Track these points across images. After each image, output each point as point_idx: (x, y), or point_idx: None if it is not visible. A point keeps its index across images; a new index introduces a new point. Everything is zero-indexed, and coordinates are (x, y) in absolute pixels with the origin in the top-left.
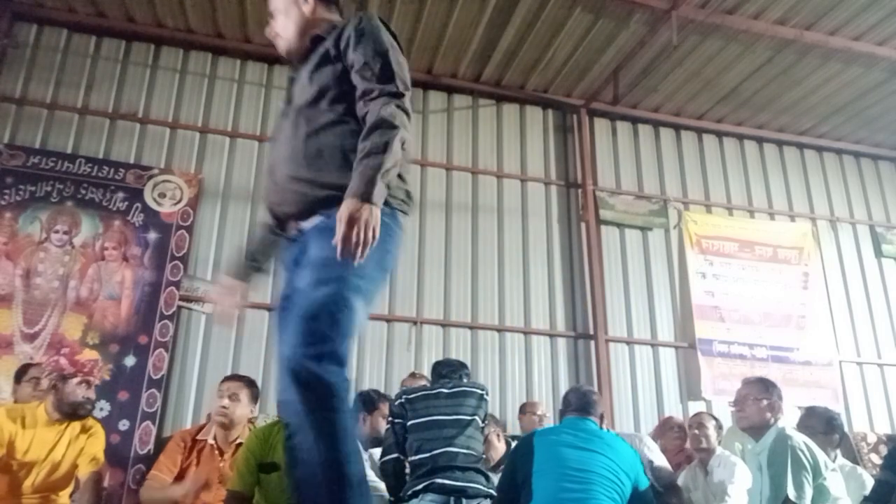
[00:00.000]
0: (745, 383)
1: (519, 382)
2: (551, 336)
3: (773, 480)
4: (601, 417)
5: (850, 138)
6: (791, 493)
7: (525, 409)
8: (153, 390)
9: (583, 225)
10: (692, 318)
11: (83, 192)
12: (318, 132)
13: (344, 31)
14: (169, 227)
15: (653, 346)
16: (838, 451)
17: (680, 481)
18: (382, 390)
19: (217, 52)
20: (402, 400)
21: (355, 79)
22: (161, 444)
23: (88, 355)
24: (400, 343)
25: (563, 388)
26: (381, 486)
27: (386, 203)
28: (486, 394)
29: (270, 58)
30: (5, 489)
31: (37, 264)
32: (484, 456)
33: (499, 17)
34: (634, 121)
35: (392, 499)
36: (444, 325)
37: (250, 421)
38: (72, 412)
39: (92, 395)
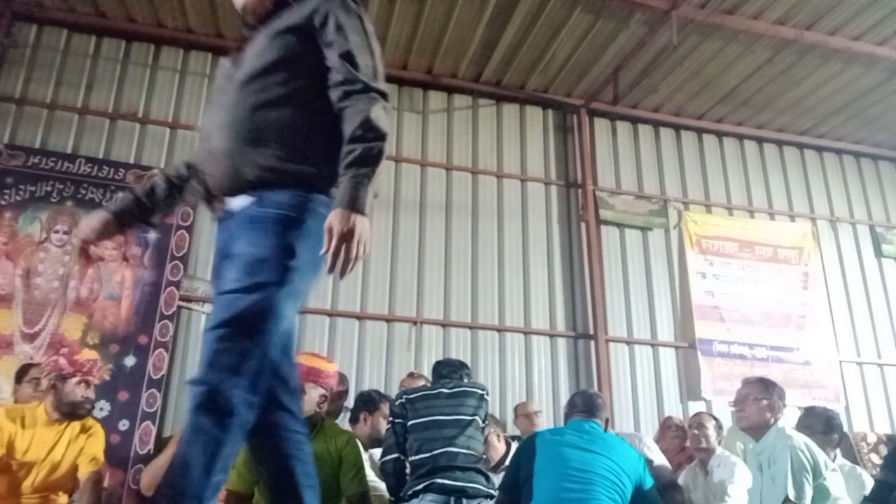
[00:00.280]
0: (745, 383)
1: (519, 382)
2: (551, 336)
3: (774, 481)
4: (606, 421)
5: (850, 138)
6: (791, 493)
7: (517, 412)
8: (153, 390)
9: (583, 225)
10: (692, 318)
11: (83, 192)
12: (267, 106)
13: (320, 3)
14: (169, 226)
15: (653, 346)
16: (838, 451)
17: (680, 481)
18: (382, 390)
19: (217, 52)
20: (403, 400)
21: (334, 61)
22: (161, 444)
23: (88, 355)
24: (400, 343)
25: (563, 388)
26: (381, 486)
27: (323, 191)
28: (487, 394)
29: None
30: (5, 489)
31: (37, 264)
32: (484, 456)
33: (499, 17)
34: (634, 121)
35: (392, 499)
36: (444, 325)
37: None
38: (71, 412)
39: (91, 394)
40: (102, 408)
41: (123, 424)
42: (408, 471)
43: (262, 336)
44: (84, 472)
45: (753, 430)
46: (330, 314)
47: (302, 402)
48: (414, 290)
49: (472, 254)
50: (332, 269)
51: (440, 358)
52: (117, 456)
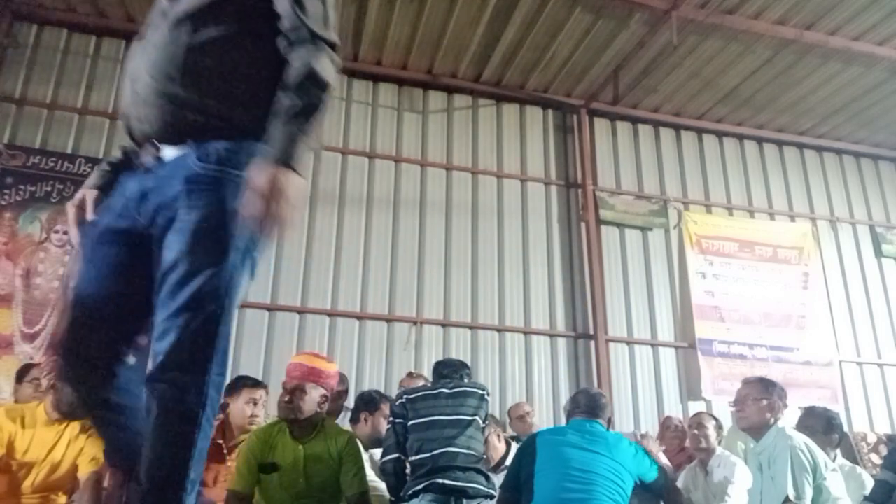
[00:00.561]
0: (745, 383)
1: (519, 382)
2: (551, 336)
3: (774, 480)
4: (608, 421)
5: (850, 138)
6: (791, 493)
7: (510, 415)
8: None
9: (583, 225)
10: (692, 318)
11: None
12: (205, 46)
13: None
14: None
15: (653, 346)
16: (838, 451)
17: (680, 481)
18: (382, 390)
19: None
20: (403, 400)
21: (282, 5)
22: None
23: None
24: (400, 343)
25: (563, 387)
26: (382, 485)
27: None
28: (487, 394)
29: None
30: (5, 489)
31: (37, 264)
32: (484, 456)
33: (499, 17)
34: (634, 121)
35: (392, 499)
36: (444, 325)
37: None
38: (71, 412)
39: None
40: None
41: None
42: (408, 471)
43: (226, 314)
44: (84, 473)
45: (753, 430)
46: (330, 314)
47: (302, 403)
48: (414, 290)
49: (472, 254)
50: (252, 229)
51: (440, 358)
52: None
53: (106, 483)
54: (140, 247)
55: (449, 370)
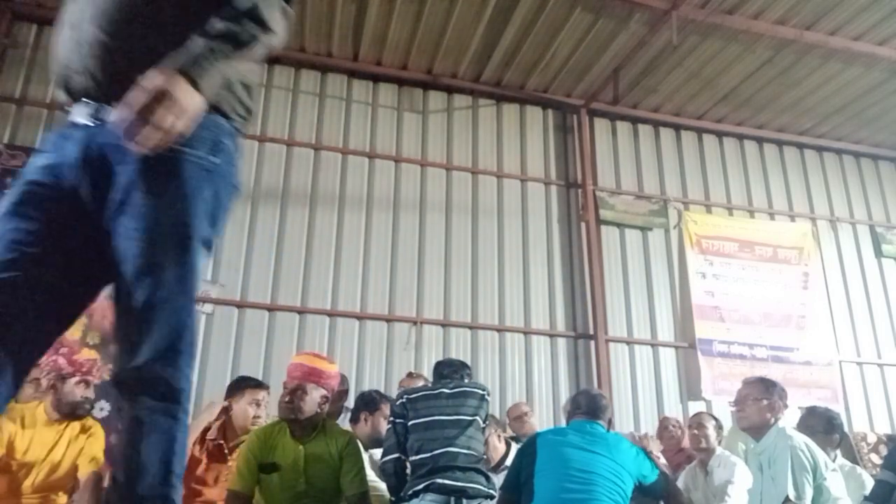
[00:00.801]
0: (745, 383)
1: (519, 382)
2: (551, 336)
3: (774, 481)
4: (609, 422)
5: (850, 138)
6: (791, 493)
7: (509, 416)
8: None
9: (583, 225)
10: (692, 318)
11: None
12: None
13: None
14: None
15: (653, 346)
16: (838, 451)
17: (680, 482)
18: (382, 390)
19: None
20: (404, 400)
21: None
22: None
23: (87, 355)
24: (400, 343)
25: (563, 388)
26: (382, 486)
27: (224, 115)
28: (488, 394)
29: (270, 57)
30: (5, 489)
31: None
32: (484, 456)
33: (499, 17)
34: (634, 121)
35: (392, 499)
36: (444, 325)
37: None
38: (71, 412)
39: (91, 394)
40: (102, 408)
41: None
42: (408, 471)
43: (193, 305)
44: (84, 473)
45: (754, 430)
46: (330, 314)
47: (302, 403)
48: (414, 290)
49: (472, 254)
50: (125, 133)
51: (440, 358)
52: None
53: (106, 483)
54: (71, 217)
55: (449, 370)
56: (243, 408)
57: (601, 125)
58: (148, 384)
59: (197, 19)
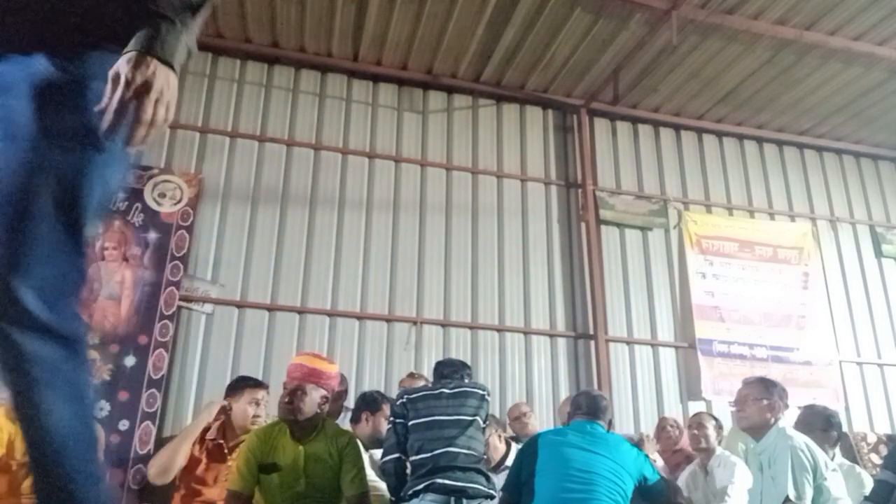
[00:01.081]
0: (745, 383)
1: (519, 382)
2: (551, 336)
3: (774, 481)
4: (609, 423)
5: (850, 138)
6: (791, 493)
7: (509, 417)
8: (153, 390)
9: (583, 225)
10: (692, 318)
11: None
12: None
13: None
14: (169, 227)
15: (653, 346)
16: (837, 450)
17: (680, 482)
18: (382, 390)
19: (217, 52)
20: (404, 399)
21: None
22: (161, 444)
23: None
24: (400, 343)
25: (563, 388)
26: (382, 486)
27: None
28: (488, 394)
29: (270, 57)
30: (5, 489)
31: None
32: (485, 456)
33: (499, 17)
34: (634, 121)
35: (393, 499)
36: (444, 325)
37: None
38: None
39: None
40: (102, 408)
41: (123, 424)
42: (408, 471)
43: (86, 217)
44: None
45: (754, 430)
46: (330, 314)
47: (302, 404)
48: (414, 290)
49: (472, 254)
50: (110, 132)
51: (440, 358)
52: (117, 456)
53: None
54: None
55: (449, 370)
56: (243, 407)
57: (601, 125)
58: (51, 336)
59: None
